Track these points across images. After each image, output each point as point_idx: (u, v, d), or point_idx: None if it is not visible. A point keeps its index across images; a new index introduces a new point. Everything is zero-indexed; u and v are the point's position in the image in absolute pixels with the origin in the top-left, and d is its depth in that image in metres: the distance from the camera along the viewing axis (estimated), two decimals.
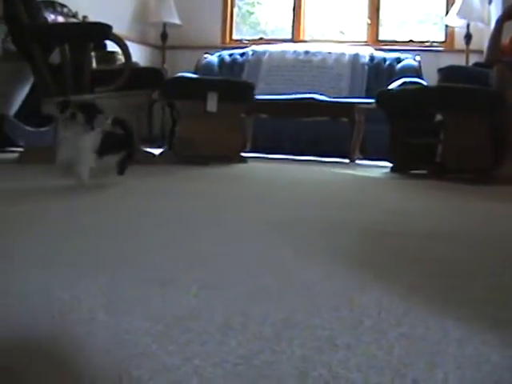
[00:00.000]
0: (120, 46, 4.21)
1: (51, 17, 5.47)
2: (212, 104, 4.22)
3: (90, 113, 2.72)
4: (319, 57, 6.91)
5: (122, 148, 2.87)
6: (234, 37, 7.88)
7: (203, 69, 6.88)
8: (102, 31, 4.12)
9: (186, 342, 0.90)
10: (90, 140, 2.70)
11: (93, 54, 4.40)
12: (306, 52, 6.96)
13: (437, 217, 2.45)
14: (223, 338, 0.92)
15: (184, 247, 1.60)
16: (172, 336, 0.92)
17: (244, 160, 4.69)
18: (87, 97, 4.03)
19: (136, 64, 5.31)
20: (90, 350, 0.86)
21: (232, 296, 1.14)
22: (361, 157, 5.66)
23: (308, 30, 7.74)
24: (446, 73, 5.79)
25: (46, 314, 1.00)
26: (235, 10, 7.96)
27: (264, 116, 5.66)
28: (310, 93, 6.05)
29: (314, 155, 5.95)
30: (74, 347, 0.87)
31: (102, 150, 2.74)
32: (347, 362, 0.85)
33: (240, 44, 7.60)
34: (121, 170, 2.89)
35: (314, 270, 1.37)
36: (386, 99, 4.64)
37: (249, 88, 4.67)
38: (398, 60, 6.75)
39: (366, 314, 1.06)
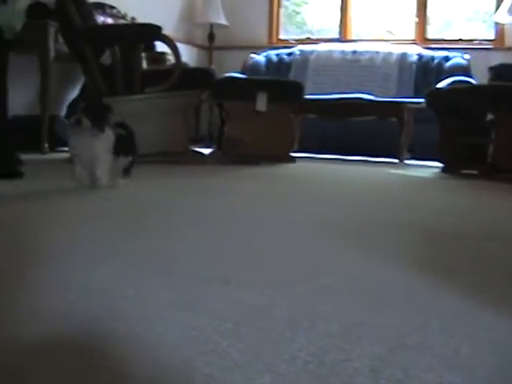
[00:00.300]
0: (170, 46, 4.23)
1: (101, 18, 5.53)
2: (261, 104, 4.23)
3: (97, 115, 2.59)
4: (366, 56, 6.86)
5: (129, 150, 2.74)
6: (281, 37, 7.87)
7: (250, 69, 6.88)
8: (153, 32, 4.15)
9: (256, 339, 0.90)
10: (101, 143, 2.59)
11: (143, 54, 4.43)
12: (354, 51, 6.92)
13: (490, 217, 2.42)
14: (293, 336, 0.92)
15: (245, 246, 1.61)
16: (241, 334, 0.92)
17: (293, 160, 4.68)
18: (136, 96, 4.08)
19: (186, 64, 5.35)
20: (157, 346, 0.87)
21: (297, 295, 1.14)
22: (409, 157, 5.61)
23: (355, 29, 7.69)
24: (497, 71, 5.72)
25: (110, 311, 1.01)
26: (281, 9, 7.95)
27: (311, 116, 5.64)
28: (357, 92, 6.01)
29: (361, 155, 5.91)
30: (138, 344, 0.88)
31: (117, 151, 2.65)
32: (419, 361, 0.85)
33: (287, 44, 7.58)
34: (126, 172, 2.76)
35: (377, 270, 1.36)
36: (436, 98, 4.59)
37: (298, 88, 4.66)
38: (447, 58, 6.67)
39: (433, 315, 1.05)
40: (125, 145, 2.68)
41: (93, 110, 2.59)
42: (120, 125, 2.66)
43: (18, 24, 2.56)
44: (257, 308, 1.05)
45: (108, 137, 2.61)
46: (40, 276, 1.24)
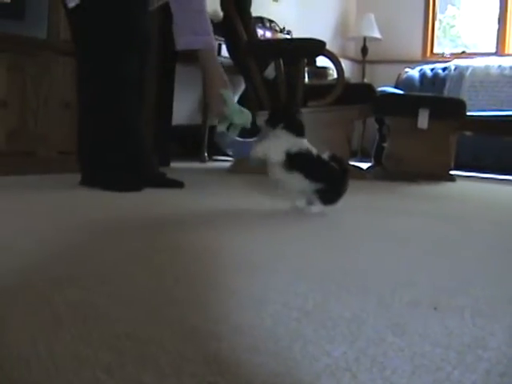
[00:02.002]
0: (333, 61, 4.28)
1: (260, 32, 5.66)
2: (423, 121, 4.19)
3: (292, 118, 2.50)
4: None
5: (322, 179, 2.43)
6: (435, 50, 7.76)
7: (404, 83, 6.84)
8: (317, 47, 4.21)
9: (484, 371, 0.91)
10: (284, 142, 2.44)
11: (305, 69, 4.50)
12: None
13: None
14: None
15: (438, 270, 1.60)
16: (469, 364, 0.93)
17: (453, 178, 4.61)
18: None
19: (348, 79, 5.39)
20: (394, 371, 0.89)
21: (510, 326, 1.13)
22: None
23: None
24: None
25: (336, 332, 1.05)
26: (436, 23, 7.84)
27: (468, 133, 5.52)
28: None
29: None
30: (376, 368, 0.90)
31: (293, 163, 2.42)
32: None
33: (441, 58, 7.47)
34: (323, 199, 2.46)
35: None
36: None
37: (461, 105, 4.58)
38: None
39: None
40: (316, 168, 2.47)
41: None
42: (335, 159, 2.47)
43: (245, 121, 2.87)
44: (473, 338, 1.05)
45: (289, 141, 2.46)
46: (247, 290, 1.29)
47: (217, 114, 2.95)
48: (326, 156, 2.47)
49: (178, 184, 3.29)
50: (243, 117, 2.84)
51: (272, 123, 2.48)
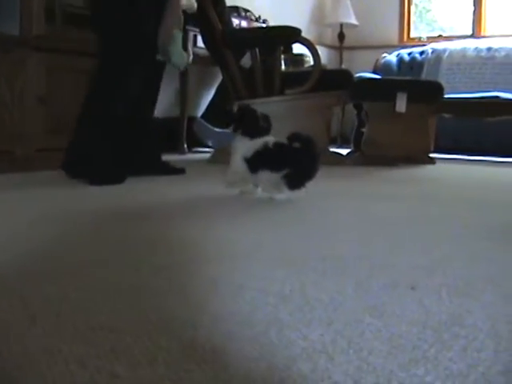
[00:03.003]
0: (310, 48, 4.27)
1: (236, 21, 5.63)
2: (401, 104, 4.18)
3: (247, 121, 2.60)
4: (502, 53, 6.66)
5: (285, 165, 2.45)
6: (412, 35, 7.76)
7: (382, 68, 6.83)
8: (292, 34, 4.19)
9: (461, 348, 0.90)
10: (240, 148, 2.58)
11: (281, 56, 4.48)
12: (488, 48, 6.72)
13: None
14: (497, 346, 0.92)
15: (416, 251, 1.60)
16: (445, 341, 0.93)
17: (432, 161, 4.62)
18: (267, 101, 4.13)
19: (324, 66, 5.37)
20: (371, 352, 0.89)
21: (486, 303, 1.13)
22: None
23: (489, 24, 7.48)
24: None
25: (313, 315, 1.04)
26: (412, 7, 7.84)
27: (446, 115, 5.53)
28: (493, 91, 5.85)
29: (497, 156, 5.75)
30: (349, 350, 0.90)
31: (255, 164, 2.53)
32: None
33: (418, 42, 7.47)
34: (289, 185, 2.46)
35: None
36: None
37: (438, 88, 4.58)
38: None
39: None
40: (272, 159, 2.51)
41: (244, 117, 2.64)
42: (296, 137, 2.49)
43: (182, 62, 3.12)
44: (451, 315, 1.05)
45: (249, 145, 2.56)
46: (226, 277, 1.28)
47: (161, 49, 3.14)
48: (285, 139, 2.51)
49: (179, 171, 3.56)
50: (181, 58, 3.08)
51: (233, 129, 2.66)
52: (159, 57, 3.17)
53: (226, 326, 0.99)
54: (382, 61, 6.99)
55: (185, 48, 3.04)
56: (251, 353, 0.88)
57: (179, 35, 3.06)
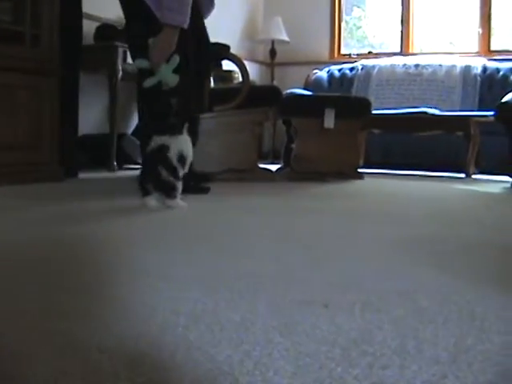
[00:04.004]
0: (238, 65, 4.29)
1: None
2: (329, 120, 4.23)
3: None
4: (429, 70, 6.81)
5: None
6: (342, 51, 7.87)
7: (313, 84, 6.90)
8: (221, 51, 4.20)
9: (367, 365, 0.91)
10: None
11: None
12: (416, 65, 6.87)
13: None
14: (403, 362, 0.92)
15: (332, 267, 1.61)
16: (352, 359, 0.93)
17: (361, 176, 4.68)
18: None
19: (253, 82, 5.39)
20: (276, 372, 0.88)
21: (397, 318, 1.14)
22: (476, 171, 5.54)
23: (417, 42, 7.64)
24: None
25: (223, 335, 1.03)
26: (343, 24, 7.96)
27: (376, 131, 5.62)
28: (421, 107, 5.97)
29: (426, 170, 5.86)
30: (261, 370, 0.89)
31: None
32: None
33: (348, 59, 7.58)
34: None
35: (467, 291, 1.35)
36: (506, 112, 4.53)
37: (366, 104, 4.65)
38: None
39: None
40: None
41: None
42: None
43: (172, 82, 3.12)
44: (361, 332, 1.05)
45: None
46: (139, 298, 1.26)
47: (155, 65, 3.16)
48: None
49: (204, 190, 3.49)
50: (173, 79, 3.12)
51: None
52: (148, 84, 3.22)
53: (132, 348, 0.97)
54: (313, 77, 7.07)
55: (175, 71, 3.13)
56: (156, 376, 0.87)
57: (176, 58, 3.12)
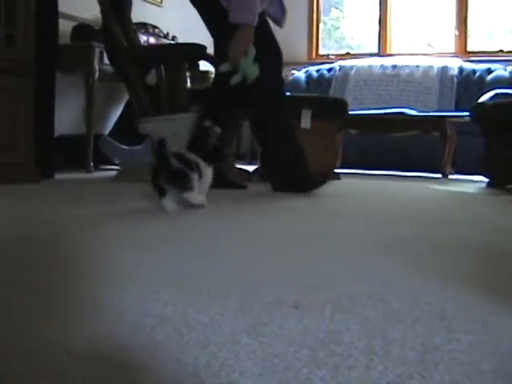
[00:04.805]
0: (214, 65, 4.27)
1: (143, 38, 5.61)
2: (306, 121, 4.23)
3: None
4: (407, 70, 6.85)
5: None
6: (320, 52, 7.89)
7: (291, 85, 6.91)
8: (198, 51, 4.19)
9: (334, 366, 0.91)
10: None
11: (187, 73, 4.47)
12: (394, 66, 6.91)
13: None
14: (369, 363, 0.92)
15: (306, 268, 1.61)
16: (320, 360, 0.93)
17: (338, 177, 4.69)
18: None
19: None
20: (242, 373, 0.88)
21: (366, 319, 1.14)
22: (452, 171, 5.57)
23: (394, 43, 7.68)
24: None
25: (190, 337, 1.03)
26: (321, 25, 7.98)
27: (353, 131, 5.63)
28: (398, 107, 6.00)
29: (403, 170, 5.90)
30: (225, 371, 0.89)
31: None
32: None
33: (326, 60, 7.60)
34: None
35: (439, 292, 1.36)
36: (481, 112, 4.56)
37: (342, 105, 4.66)
38: (489, 71, 6.63)
39: (504, 339, 1.05)
40: None
41: None
42: None
43: (254, 73, 3.37)
44: (329, 333, 1.05)
45: None
46: (108, 299, 1.25)
47: (233, 64, 3.41)
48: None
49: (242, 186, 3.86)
50: (254, 70, 3.37)
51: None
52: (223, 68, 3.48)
53: (99, 350, 0.97)
54: (291, 77, 7.09)
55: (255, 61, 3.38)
56: (121, 378, 0.86)
57: (252, 50, 3.35)
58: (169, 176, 2.56)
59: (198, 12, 3.66)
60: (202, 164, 2.67)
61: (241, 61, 3.35)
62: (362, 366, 0.91)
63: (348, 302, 1.25)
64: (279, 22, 4.00)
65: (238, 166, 4.49)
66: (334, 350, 0.97)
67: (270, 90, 3.60)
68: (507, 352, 0.99)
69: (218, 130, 2.81)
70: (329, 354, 0.95)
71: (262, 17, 3.60)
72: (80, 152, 5.02)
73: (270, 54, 3.66)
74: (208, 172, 2.73)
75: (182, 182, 2.58)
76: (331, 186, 4.30)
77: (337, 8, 8.37)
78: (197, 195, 2.66)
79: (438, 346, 1.00)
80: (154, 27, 6.00)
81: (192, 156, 2.66)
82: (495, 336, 1.06)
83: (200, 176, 2.64)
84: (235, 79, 3.38)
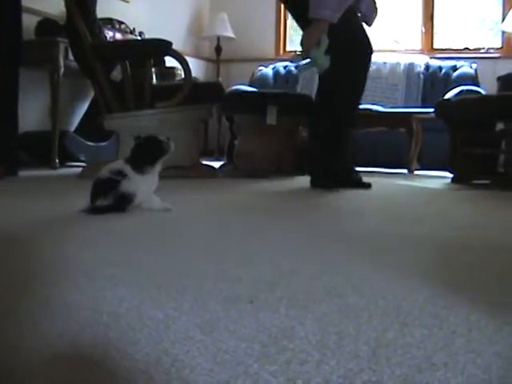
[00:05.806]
0: (180, 62, 4.26)
1: (109, 34, 5.57)
2: (272, 117, 4.23)
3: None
4: (374, 67, 6.85)
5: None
6: (288, 48, 7.89)
7: (258, 81, 6.91)
8: (163, 47, 4.17)
9: (285, 361, 0.91)
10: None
11: (153, 69, 4.45)
12: None
13: (509, 229, 2.42)
14: (322, 358, 0.92)
15: (265, 264, 1.61)
16: (271, 356, 0.93)
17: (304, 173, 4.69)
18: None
19: (195, 79, 5.37)
20: (193, 369, 0.87)
21: (322, 314, 1.14)
22: (418, 167, 5.61)
23: None
24: (506, 81, 5.72)
25: (143, 334, 1.02)
26: (288, 21, 7.98)
27: None
28: (365, 103, 6.02)
29: (370, 166, 5.92)
30: (175, 367, 0.88)
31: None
32: (448, 381, 0.85)
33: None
34: None
35: (397, 287, 1.36)
36: (445, 109, 4.60)
37: (308, 101, 4.67)
38: (454, 68, 6.69)
39: (457, 333, 1.05)
40: None
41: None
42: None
43: (325, 63, 3.40)
44: (283, 329, 1.05)
45: None
46: (61, 297, 1.24)
47: (305, 51, 3.47)
48: None
49: (366, 185, 3.88)
50: (325, 61, 3.40)
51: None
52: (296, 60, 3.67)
53: (51, 349, 0.95)
54: (259, 74, 7.08)
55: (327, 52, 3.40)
56: (72, 376, 0.85)
57: (325, 39, 3.38)
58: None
59: (287, 8, 3.82)
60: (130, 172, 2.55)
61: (313, 50, 3.39)
62: (314, 361, 0.91)
63: (304, 298, 1.25)
64: (368, 20, 4.00)
65: (205, 162, 4.47)
66: (286, 345, 0.97)
67: (346, 101, 3.78)
68: (461, 345, 0.99)
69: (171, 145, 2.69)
70: (281, 350, 0.95)
71: (353, 12, 3.65)
72: (45, 149, 4.97)
73: (350, 52, 3.69)
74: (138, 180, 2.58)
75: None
76: (295, 183, 4.30)
77: None
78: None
79: (392, 341, 1.00)
80: (121, 23, 5.95)
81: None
82: (449, 330, 1.07)
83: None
84: (305, 67, 3.57)
